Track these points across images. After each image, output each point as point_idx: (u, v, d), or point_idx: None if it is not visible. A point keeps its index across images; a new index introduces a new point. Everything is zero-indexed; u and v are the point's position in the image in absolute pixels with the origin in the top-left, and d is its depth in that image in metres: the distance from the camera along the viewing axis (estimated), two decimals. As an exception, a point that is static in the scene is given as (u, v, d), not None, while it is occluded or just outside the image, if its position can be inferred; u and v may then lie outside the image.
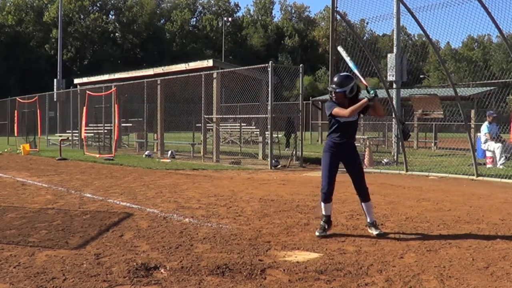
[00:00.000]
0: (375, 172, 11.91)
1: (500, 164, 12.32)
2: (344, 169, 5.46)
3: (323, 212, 5.33)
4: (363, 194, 5.32)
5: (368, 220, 5.35)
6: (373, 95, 4.97)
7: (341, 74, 5.39)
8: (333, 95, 5.21)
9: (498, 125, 13.25)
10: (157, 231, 5.47)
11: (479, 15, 9.74)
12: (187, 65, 16.80)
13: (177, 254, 4.53)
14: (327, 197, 5.29)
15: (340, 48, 5.63)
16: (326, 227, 5.27)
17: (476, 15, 9.89)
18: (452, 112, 16.01)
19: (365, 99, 5.01)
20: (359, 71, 5.37)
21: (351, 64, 5.45)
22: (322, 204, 5.32)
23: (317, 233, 5.21)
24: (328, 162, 5.31)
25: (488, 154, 12.96)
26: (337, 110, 5.12)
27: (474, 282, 3.74)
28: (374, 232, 5.24)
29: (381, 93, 14.31)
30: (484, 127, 13.08)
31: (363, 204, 5.36)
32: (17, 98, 25.10)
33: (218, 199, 7.71)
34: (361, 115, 5.47)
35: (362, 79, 5.27)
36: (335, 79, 5.25)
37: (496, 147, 12.59)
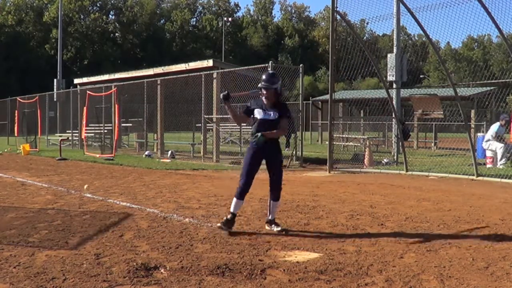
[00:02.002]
0: (375, 172, 11.91)
1: (501, 164, 12.33)
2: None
3: (232, 209, 5.38)
4: (276, 193, 5.44)
5: (270, 217, 5.49)
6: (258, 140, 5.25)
7: (269, 72, 5.65)
8: (264, 91, 5.37)
9: (507, 128, 13.23)
10: (157, 231, 5.47)
11: (479, 15, 9.75)
12: (187, 65, 16.80)
13: (177, 254, 4.53)
14: (243, 193, 5.36)
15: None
16: (230, 224, 5.35)
17: (476, 15, 9.91)
18: (452, 112, 16.01)
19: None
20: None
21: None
22: (234, 199, 5.38)
23: (219, 224, 5.37)
24: (249, 159, 5.39)
25: (488, 154, 12.96)
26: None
27: (474, 282, 3.74)
28: (275, 229, 5.37)
29: (381, 93, 14.36)
30: (496, 127, 12.97)
31: (271, 202, 5.46)
32: (18, 98, 25.10)
33: (218, 199, 7.70)
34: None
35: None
36: (264, 76, 5.44)
37: (498, 147, 12.59)
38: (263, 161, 5.44)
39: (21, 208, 6.83)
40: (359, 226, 5.68)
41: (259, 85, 5.42)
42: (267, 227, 5.48)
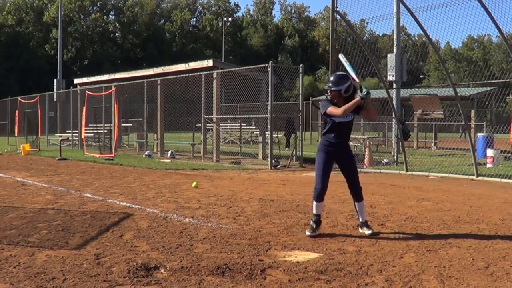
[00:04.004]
0: (375, 172, 11.92)
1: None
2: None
3: (314, 211, 5.33)
4: (357, 194, 5.34)
5: (361, 219, 5.38)
6: (365, 93, 4.99)
7: (337, 73, 5.46)
8: (329, 93, 5.24)
9: None
10: (157, 231, 5.47)
11: (479, 15, 9.75)
12: (187, 65, 16.80)
13: (177, 254, 4.53)
14: (320, 195, 5.28)
15: (341, 56, 5.67)
16: (315, 226, 5.28)
17: (476, 15, 9.91)
18: (452, 112, 16.02)
19: (358, 98, 5.03)
20: (354, 72, 5.39)
21: (347, 66, 5.49)
22: (314, 202, 5.32)
23: (307, 233, 5.22)
24: (323, 161, 5.29)
25: (489, 154, 12.95)
26: (331, 109, 5.15)
27: (474, 282, 3.74)
28: (366, 231, 5.26)
29: (381, 93, 14.36)
30: None
31: (356, 203, 5.38)
32: (19, 98, 25.10)
33: (218, 199, 7.71)
34: (356, 115, 5.45)
35: (356, 79, 5.28)
36: (332, 78, 5.31)
37: None
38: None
39: (21, 208, 6.83)
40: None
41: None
42: (360, 230, 5.33)
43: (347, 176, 5.37)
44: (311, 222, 5.32)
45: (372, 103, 5.29)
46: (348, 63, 5.48)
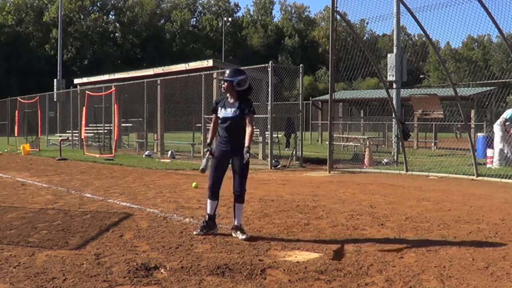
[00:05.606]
0: (375, 172, 11.91)
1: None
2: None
3: (208, 211, 5.33)
4: (238, 195, 5.20)
5: (236, 223, 5.25)
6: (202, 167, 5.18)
7: (234, 67, 5.58)
8: (223, 84, 5.29)
9: None
10: (157, 231, 5.47)
11: (479, 15, 9.75)
12: (187, 65, 16.81)
13: (177, 254, 4.53)
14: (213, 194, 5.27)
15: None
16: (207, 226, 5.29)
17: (476, 15, 9.91)
18: (452, 112, 16.02)
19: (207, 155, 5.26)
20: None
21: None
22: (208, 201, 5.32)
23: (195, 232, 5.27)
24: (216, 161, 5.29)
25: (489, 153, 12.92)
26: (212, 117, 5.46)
27: (474, 282, 3.74)
28: (240, 236, 5.11)
29: (381, 93, 14.36)
30: (509, 113, 12.38)
31: (236, 204, 5.24)
32: (18, 98, 25.10)
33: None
34: (245, 116, 5.26)
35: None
36: (227, 70, 5.38)
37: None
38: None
39: (21, 208, 6.83)
40: (359, 226, 5.68)
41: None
42: (233, 234, 5.21)
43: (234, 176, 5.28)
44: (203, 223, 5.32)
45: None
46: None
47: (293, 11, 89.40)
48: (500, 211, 6.67)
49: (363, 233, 5.36)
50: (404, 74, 14.98)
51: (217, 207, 5.39)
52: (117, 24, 75.01)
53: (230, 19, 72.88)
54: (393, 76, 14.74)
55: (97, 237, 5.14)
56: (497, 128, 12.62)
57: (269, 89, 12.99)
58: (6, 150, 20.58)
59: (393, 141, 15.06)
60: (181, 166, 13.38)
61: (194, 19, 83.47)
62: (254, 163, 14.19)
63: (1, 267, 4.11)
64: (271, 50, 76.05)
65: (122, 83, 18.56)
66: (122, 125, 20.58)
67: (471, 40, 61.23)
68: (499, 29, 9.57)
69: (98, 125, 19.41)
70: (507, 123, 12.48)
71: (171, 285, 3.70)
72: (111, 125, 18.26)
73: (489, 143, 13.27)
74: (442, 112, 13.41)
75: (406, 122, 16.38)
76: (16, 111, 24.69)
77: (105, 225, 5.74)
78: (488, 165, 12.60)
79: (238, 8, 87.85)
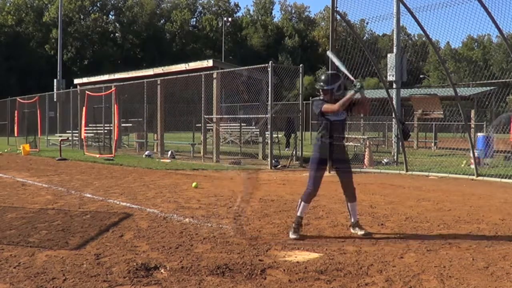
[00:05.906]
0: (375, 172, 11.92)
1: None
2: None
3: (298, 213, 5.27)
4: (350, 194, 5.31)
5: (352, 220, 5.37)
6: (359, 86, 4.97)
7: (328, 72, 5.48)
8: (321, 93, 5.22)
9: None
10: (157, 231, 5.47)
11: (479, 15, 9.75)
12: (187, 65, 16.80)
13: (177, 254, 4.53)
14: (310, 198, 5.27)
15: (330, 54, 5.67)
16: (299, 228, 5.24)
17: (476, 15, 9.91)
18: (452, 112, 16.02)
19: (352, 92, 5.01)
20: (346, 68, 5.38)
21: (338, 63, 5.50)
22: (302, 203, 5.27)
23: (293, 236, 5.15)
24: (316, 162, 5.25)
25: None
26: (326, 106, 5.11)
27: (474, 282, 3.74)
28: (359, 232, 5.25)
29: (381, 93, 14.36)
30: None
31: (349, 204, 5.36)
32: (18, 98, 25.09)
33: (218, 199, 7.71)
34: (349, 114, 5.41)
35: (349, 75, 5.27)
36: (322, 77, 5.29)
37: None
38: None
39: (21, 208, 6.83)
40: (359, 226, 5.67)
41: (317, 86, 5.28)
42: (352, 230, 5.34)
43: (341, 177, 5.33)
44: (294, 224, 5.24)
45: (366, 99, 5.26)
46: (339, 61, 5.48)
47: (293, 11, 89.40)
48: (500, 211, 6.67)
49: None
50: (404, 74, 14.98)
51: None
52: (117, 24, 75.01)
53: (230, 19, 72.87)
54: (393, 76, 14.75)
55: (97, 237, 5.14)
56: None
57: (269, 89, 12.99)
58: (6, 150, 20.57)
59: (393, 141, 15.07)
60: (181, 166, 13.38)
61: (194, 19, 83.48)
62: (254, 163, 14.21)
63: (1, 267, 4.11)
64: (271, 50, 76.02)
65: (122, 83, 18.55)
66: (122, 125, 20.58)
67: (471, 40, 61.24)
68: (499, 29, 9.57)
69: (98, 125, 19.41)
70: None
71: (171, 285, 3.70)
72: (111, 125, 18.26)
73: (489, 143, 13.25)
74: (442, 112, 13.44)
75: (406, 122, 16.40)
76: (16, 111, 24.70)
77: (105, 225, 5.74)
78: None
79: (238, 8, 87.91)
